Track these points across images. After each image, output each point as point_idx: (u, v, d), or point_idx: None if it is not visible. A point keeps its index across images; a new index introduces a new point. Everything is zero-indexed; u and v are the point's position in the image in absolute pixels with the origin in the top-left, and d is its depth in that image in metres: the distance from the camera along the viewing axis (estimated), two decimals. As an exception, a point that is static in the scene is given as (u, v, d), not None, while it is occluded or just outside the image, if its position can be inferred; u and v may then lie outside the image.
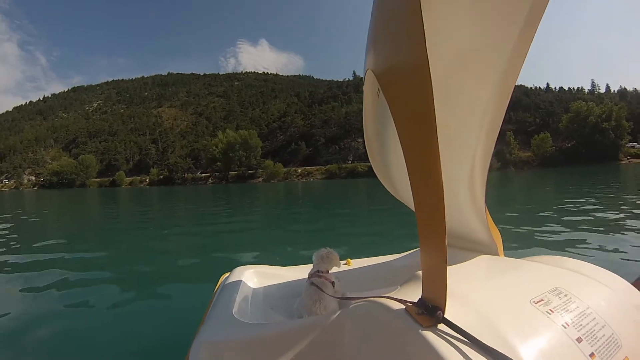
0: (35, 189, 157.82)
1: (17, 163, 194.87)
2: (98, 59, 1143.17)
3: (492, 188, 21.27)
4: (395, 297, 1.03)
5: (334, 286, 1.80)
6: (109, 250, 7.81)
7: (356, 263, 2.28)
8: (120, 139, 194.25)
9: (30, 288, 5.01)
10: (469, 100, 1.17)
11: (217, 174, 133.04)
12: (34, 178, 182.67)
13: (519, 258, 1.37)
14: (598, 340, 0.86)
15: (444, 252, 0.84)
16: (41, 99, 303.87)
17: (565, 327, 0.87)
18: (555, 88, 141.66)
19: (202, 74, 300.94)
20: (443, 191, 0.79)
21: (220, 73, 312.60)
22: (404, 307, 0.96)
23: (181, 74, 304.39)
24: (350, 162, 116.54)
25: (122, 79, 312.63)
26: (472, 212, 1.46)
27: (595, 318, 0.93)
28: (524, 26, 0.93)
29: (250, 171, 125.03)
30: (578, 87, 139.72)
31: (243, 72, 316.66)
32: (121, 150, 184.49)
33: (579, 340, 0.85)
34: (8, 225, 13.28)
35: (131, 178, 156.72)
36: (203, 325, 1.50)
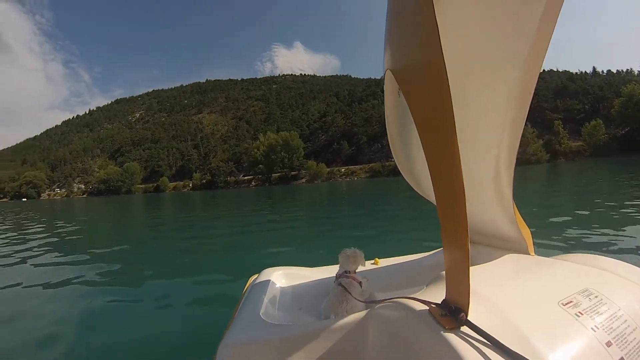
0: (84, 196, 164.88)
1: (67, 172, 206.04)
2: (136, 72, 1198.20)
3: (544, 182, 21.85)
4: (419, 298, 1.02)
5: (361, 286, 1.79)
6: (155, 252, 8.53)
7: (384, 262, 2.24)
8: (162, 146, 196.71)
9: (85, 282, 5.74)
10: (489, 98, 1.14)
11: (259, 176, 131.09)
12: (83, 186, 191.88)
13: (549, 257, 1.34)
14: (629, 344, 0.83)
15: (466, 253, 0.83)
16: (87, 112, 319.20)
17: (594, 331, 0.84)
18: (602, 71, 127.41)
19: (239, 79, 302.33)
20: (464, 190, 0.78)
21: (258, 77, 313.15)
22: (428, 308, 0.95)
23: (219, 80, 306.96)
24: (393, 160, 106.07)
25: (162, 89, 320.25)
26: (499, 209, 1.43)
27: (626, 320, 0.89)
28: (542, 16, 0.90)
29: (293, 172, 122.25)
30: (627, 69, 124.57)
31: (280, 75, 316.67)
32: (164, 156, 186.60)
33: (608, 344, 0.81)
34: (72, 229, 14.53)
35: (174, 183, 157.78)
36: (231, 326, 1.50)
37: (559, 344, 0.79)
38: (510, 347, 0.75)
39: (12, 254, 8.74)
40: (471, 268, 0.98)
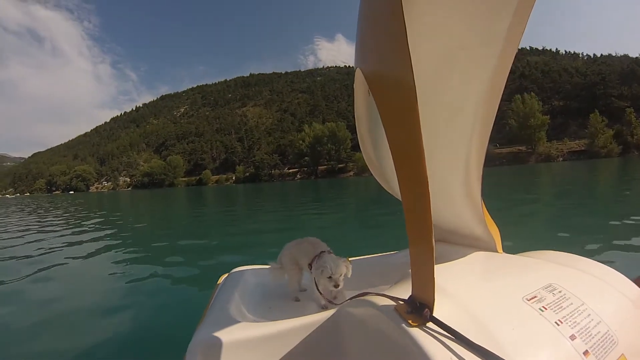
0: (129, 189, 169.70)
1: (114, 167, 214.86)
2: (180, 69, 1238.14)
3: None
4: (387, 294, 1.02)
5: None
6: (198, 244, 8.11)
7: (354, 262, 2.09)
8: (206, 139, 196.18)
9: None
10: (459, 97, 1.15)
11: (305, 169, 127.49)
12: (128, 179, 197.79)
13: (516, 254, 1.37)
14: (592, 338, 0.85)
15: (430, 249, 0.82)
16: (133, 108, 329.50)
17: (558, 325, 0.85)
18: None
19: (283, 72, 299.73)
20: (428, 188, 0.78)
21: (302, 70, 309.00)
22: (394, 305, 0.95)
23: (263, 73, 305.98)
24: None
25: (206, 84, 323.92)
26: (468, 207, 1.44)
27: (590, 314, 0.91)
28: (513, 19, 0.92)
29: (340, 165, 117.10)
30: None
31: (324, 67, 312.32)
32: (207, 150, 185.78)
33: (572, 337, 0.83)
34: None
35: (217, 176, 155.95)
36: (200, 325, 1.50)
37: (523, 338, 0.80)
38: (474, 342, 0.75)
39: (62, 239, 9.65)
40: (439, 265, 0.98)
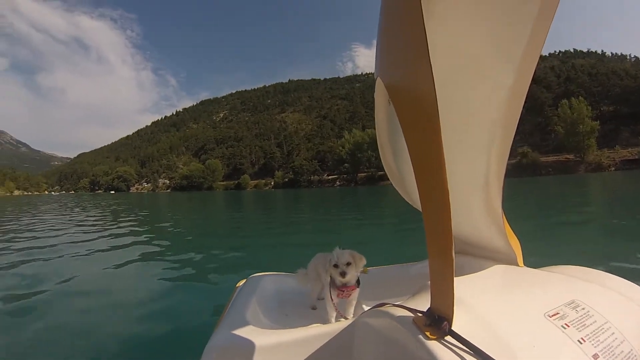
0: (168, 191, 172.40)
1: (154, 169, 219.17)
2: (221, 75, 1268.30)
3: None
4: (405, 305, 1.01)
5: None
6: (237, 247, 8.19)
7: (372, 271, 2.21)
8: (245, 144, 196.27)
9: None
10: (479, 106, 1.13)
11: (344, 175, 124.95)
12: (167, 182, 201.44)
13: (537, 268, 1.34)
14: (616, 357, 0.82)
15: (450, 263, 0.82)
16: (174, 113, 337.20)
17: (581, 343, 0.82)
18: None
19: (322, 78, 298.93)
20: (449, 201, 0.78)
21: (340, 77, 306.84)
22: (412, 316, 0.94)
23: (302, 80, 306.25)
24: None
25: (245, 90, 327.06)
26: (488, 220, 1.41)
27: (614, 333, 0.88)
28: (535, 24, 0.90)
29: (380, 172, 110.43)
30: None
31: (363, 73, 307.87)
32: (246, 154, 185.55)
33: (595, 356, 0.80)
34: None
35: (256, 181, 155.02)
36: (216, 331, 1.51)
37: (545, 356, 0.78)
38: (494, 358, 0.74)
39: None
40: (458, 278, 0.97)
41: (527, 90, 1.03)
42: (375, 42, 1.16)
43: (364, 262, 1.73)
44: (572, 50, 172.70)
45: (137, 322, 3.62)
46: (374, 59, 1.24)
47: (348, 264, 1.67)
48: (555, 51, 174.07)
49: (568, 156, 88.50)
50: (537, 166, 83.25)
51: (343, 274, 1.65)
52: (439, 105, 0.73)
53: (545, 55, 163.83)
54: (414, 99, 0.84)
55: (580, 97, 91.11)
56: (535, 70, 1.00)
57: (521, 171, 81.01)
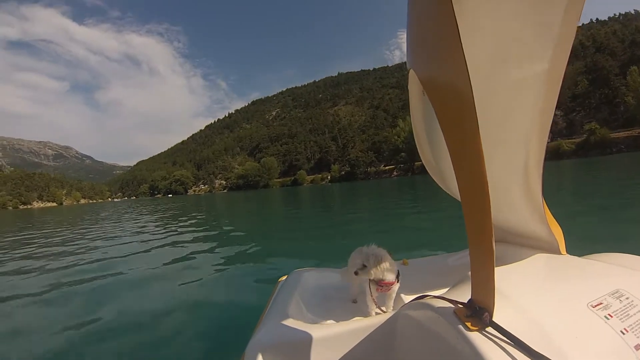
0: (225, 191, 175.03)
1: (210, 170, 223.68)
2: (268, 74, 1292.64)
3: None
4: (446, 297, 1.02)
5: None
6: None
7: (412, 262, 2.23)
8: (300, 140, 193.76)
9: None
10: (515, 92, 1.12)
11: (401, 165, 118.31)
12: (224, 182, 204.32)
13: (581, 256, 1.31)
14: None
15: (491, 253, 0.81)
16: (226, 115, 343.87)
17: (623, 334, 0.81)
18: None
19: (371, 68, 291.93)
20: (488, 190, 0.76)
21: (389, 65, 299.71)
22: (453, 308, 0.94)
23: (351, 72, 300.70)
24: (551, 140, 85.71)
25: (295, 86, 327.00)
26: (528, 207, 1.39)
27: None
28: (568, 5, 0.88)
29: None
30: None
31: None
32: (301, 150, 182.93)
33: (637, 347, 0.78)
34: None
35: (312, 176, 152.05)
36: (259, 326, 1.50)
37: (586, 347, 0.77)
38: (535, 349, 0.73)
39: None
40: (499, 268, 0.95)
41: (563, 71, 1.00)
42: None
43: (384, 263, 1.64)
44: (632, 12, 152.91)
45: (175, 317, 3.77)
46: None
47: (364, 266, 1.63)
48: (615, 14, 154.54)
49: (641, 129, 74.71)
50: (605, 143, 71.04)
51: (356, 273, 1.63)
52: (475, 97, 0.72)
53: (605, 20, 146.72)
54: (448, 90, 0.83)
55: (651, 62, 77.09)
56: (571, 50, 0.96)
57: (587, 150, 70.92)
